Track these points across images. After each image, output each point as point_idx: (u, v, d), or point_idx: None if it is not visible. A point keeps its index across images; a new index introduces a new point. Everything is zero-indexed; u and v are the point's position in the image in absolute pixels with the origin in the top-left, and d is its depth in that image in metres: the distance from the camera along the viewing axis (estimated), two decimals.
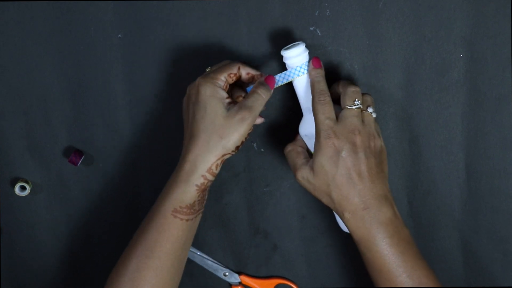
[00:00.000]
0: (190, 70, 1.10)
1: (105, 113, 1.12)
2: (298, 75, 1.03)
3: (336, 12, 1.08)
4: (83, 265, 1.16)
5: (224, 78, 1.01)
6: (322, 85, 1.01)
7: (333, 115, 1.00)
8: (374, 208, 0.98)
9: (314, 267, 1.16)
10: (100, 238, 1.15)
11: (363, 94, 1.03)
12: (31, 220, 1.15)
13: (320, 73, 1.02)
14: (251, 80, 1.04)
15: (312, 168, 1.00)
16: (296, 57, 1.02)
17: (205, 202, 1.02)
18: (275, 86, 1.03)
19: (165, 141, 1.12)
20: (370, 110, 1.01)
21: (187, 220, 1.00)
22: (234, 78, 1.03)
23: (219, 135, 0.99)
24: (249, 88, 1.04)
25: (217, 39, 1.09)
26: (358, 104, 1.00)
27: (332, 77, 1.09)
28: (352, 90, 1.01)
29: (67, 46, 1.10)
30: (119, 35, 1.10)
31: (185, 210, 1.00)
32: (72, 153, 1.11)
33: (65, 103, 1.11)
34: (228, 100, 1.00)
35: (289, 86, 1.06)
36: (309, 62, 1.03)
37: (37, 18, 1.09)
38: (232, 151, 1.00)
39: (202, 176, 0.99)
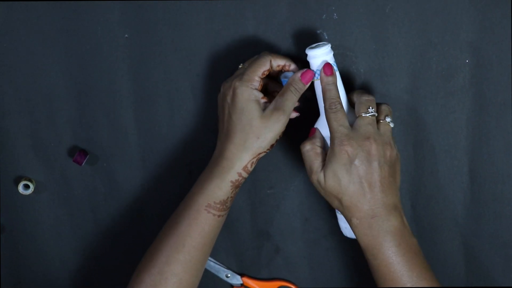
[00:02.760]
0: (197, 70, 1.10)
1: (110, 113, 1.11)
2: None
3: (343, 16, 1.08)
4: (86, 264, 1.16)
5: (258, 78, 1.02)
6: (333, 93, 1.01)
7: (346, 123, 1.00)
8: (382, 217, 0.99)
9: (316, 270, 1.16)
10: (103, 238, 1.15)
11: (381, 103, 1.03)
12: (34, 219, 1.14)
13: (331, 80, 1.02)
14: (281, 70, 1.04)
15: (324, 174, 1.01)
16: (324, 56, 1.01)
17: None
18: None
19: (170, 141, 1.12)
20: (388, 119, 1.02)
21: (218, 216, 1.02)
22: (267, 73, 1.03)
23: (256, 136, 1.00)
24: (284, 80, 1.04)
25: (223, 41, 1.09)
26: (372, 112, 1.01)
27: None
28: (365, 98, 1.02)
29: (74, 46, 1.10)
30: (126, 35, 1.10)
31: (218, 206, 1.01)
32: (77, 152, 1.11)
33: (71, 103, 1.11)
34: (263, 100, 1.02)
35: None
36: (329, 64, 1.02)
37: (43, 18, 1.09)
38: (267, 149, 1.02)
39: (238, 173, 1.01)
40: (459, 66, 1.08)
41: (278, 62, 1.03)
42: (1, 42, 1.10)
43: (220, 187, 1.01)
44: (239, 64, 1.05)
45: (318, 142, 1.03)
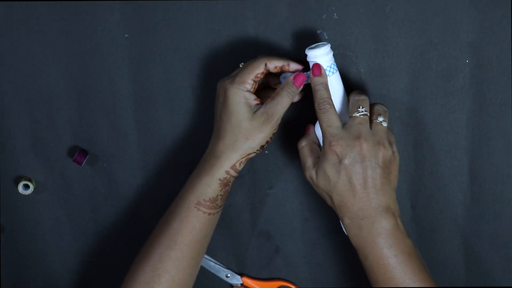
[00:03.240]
0: (197, 70, 1.10)
1: (110, 113, 1.12)
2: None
3: (343, 16, 1.08)
4: (86, 264, 1.16)
5: (252, 81, 1.02)
6: (322, 93, 1.01)
7: (336, 123, 1.00)
8: (372, 219, 0.99)
9: (316, 270, 1.16)
10: (103, 238, 1.15)
11: (375, 104, 1.03)
12: (34, 219, 1.14)
13: (320, 80, 1.02)
14: (280, 71, 1.04)
15: (316, 171, 1.01)
16: (323, 56, 1.02)
17: (226, 198, 1.04)
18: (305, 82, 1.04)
19: (170, 141, 1.12)
20: (380, 119, 1.01)
21: (209, 214, 1.02)
22: (262, 76, 1.03)
23: (245, 137, 1.01)
24: (282, 78, 1.04)
25: (223, 41, 1.09)
26: (362, 111, 1.00)
27: None
28: (356, 98, 1.02)
29: (74, 46, 1.10)
30: (126, 35, 1.10)
31: (208, 203, 1.02)
32: (77, 152, 1.11)
33: (71, 103, 1.11)
34: (255, 102, 1.02)
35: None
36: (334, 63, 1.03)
37: (43, 18, 1.09)
38: (257, 150, 1.03)
39: (226, 171, 1.02)
40: (459, 66, 1.09)
41: (275, 64, 1.03)
42: (1, 42, 1.10)
43: (209, 185, 1.02)
44: (240, 64, 1.05)
45: (313, 139, 1.05)
